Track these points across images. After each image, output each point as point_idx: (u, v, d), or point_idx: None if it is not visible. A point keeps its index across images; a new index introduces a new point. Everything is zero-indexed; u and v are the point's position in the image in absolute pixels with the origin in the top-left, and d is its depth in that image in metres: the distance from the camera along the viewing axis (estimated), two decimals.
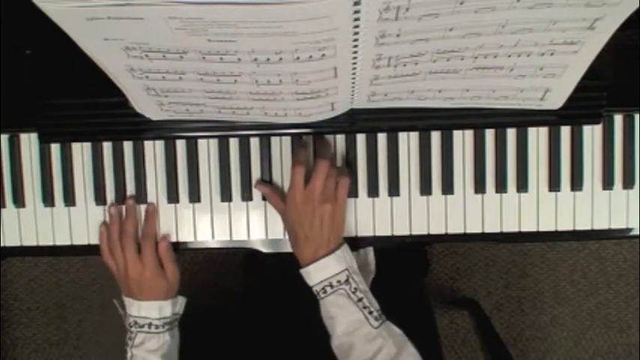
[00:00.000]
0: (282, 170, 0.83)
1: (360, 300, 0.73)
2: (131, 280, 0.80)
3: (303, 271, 0.76)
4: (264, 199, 0.83)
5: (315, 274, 0.74)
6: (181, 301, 0.84)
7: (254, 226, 0.84)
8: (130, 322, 0.80)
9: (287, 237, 0.81)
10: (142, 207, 0.84)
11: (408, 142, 0.83)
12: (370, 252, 0.81)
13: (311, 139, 0.83)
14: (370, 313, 0.73)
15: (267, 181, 0.83)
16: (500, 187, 0.83)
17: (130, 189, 0.84)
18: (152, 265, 0.80)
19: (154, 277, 0.80)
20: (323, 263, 0.74)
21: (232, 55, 0.59)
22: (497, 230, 0.84)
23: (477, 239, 0.84)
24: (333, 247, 0.75)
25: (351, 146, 0.83)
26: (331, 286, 0.74)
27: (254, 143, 0.83)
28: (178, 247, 0.85)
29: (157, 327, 0.79)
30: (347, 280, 0.74)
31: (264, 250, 0.85)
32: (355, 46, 0.59)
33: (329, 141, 0.83)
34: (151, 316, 0.79)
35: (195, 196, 0.83)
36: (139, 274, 0.80)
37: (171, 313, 0.81)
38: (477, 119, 0.79)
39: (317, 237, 0.75)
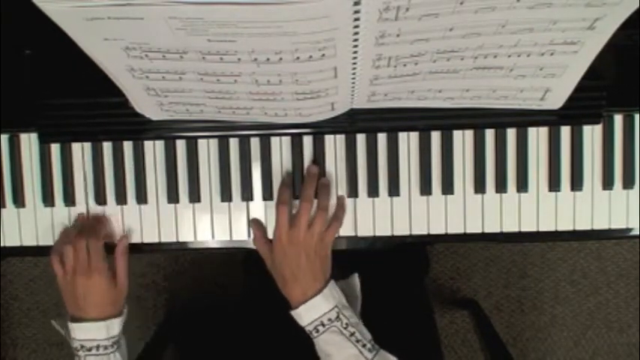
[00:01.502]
0: (282, 170, 0.83)
1: (352, 334, 0.74)
2: (77, 286, 0.76)
3: (294, 313, 0.76)
4: (264, 199, 0.83)
5: (306, 314, 0.75)
6: (125, 312, 0.81)
7: None
8: (76, 347, 0.77)
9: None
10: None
11: (408, 142, 0.83)
12: (354, 278, 0.81)
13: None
14: (364, 346, 0.74)
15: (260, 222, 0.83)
16: (500, 187, 0.83)
17: (130, 189, 0.84)
18: (100, 269, 0.77)
19: (103, 285, 0.77)
20: (312, 303, 0.74)
21: (232, 55, 0.59)
22: (497, 230, 0.84)
23: (476, 239, 0.84)
24: (320, 285, 0.76)
25: (351, 146, 0.83)
26: (323, 324, 0.74)
27: (254, 143, 0.83)
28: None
29: (105, 347, 0.77)
30: (337, 317, 0.74)
31: None
32: (355, 46, 0.59)
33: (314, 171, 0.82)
34: (99, 338, 0.77)
35: (195, 196, 0.83)
36: (87, 278, 0.76)
37: (119, 330, 0.79)
38: (476, 119, 0.79)
39: (304, 276, 0.75)
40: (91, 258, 0.77)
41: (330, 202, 0.81)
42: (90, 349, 0.76)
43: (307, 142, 0.83)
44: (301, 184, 0.81)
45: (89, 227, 0.80)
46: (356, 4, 0.52)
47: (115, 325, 0.78)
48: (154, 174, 0.84)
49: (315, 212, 0.77)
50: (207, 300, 1.61)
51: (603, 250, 1.61)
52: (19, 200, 0.84)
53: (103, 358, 0.77)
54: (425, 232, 0.84)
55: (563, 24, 0.60)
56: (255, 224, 0.83)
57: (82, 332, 0.77)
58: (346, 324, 0.74)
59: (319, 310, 0.74)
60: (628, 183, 0.83)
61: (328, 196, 0.81)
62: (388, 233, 0.84)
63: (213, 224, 0.84)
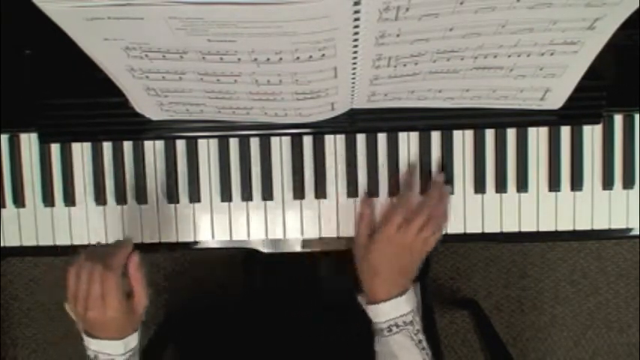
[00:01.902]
0: (282, 170, 0.83)
1: (420, 342, 0.75)
2: (92, 320, 0.69)
3: (373, 307, 0.75)
4: (264, 199, 0.83)
5: (385, 311, 0.75)
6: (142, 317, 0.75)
7: (254, 226, 0.84)
8: (89, 355, 0.72)
9: (286, 237, 0.80)
10: None
11: (408, 142, 0.83)
12: (417, 286, 0.81)
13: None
14: (427, 354, 0.74)
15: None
16: (500, 187, 0.83)
17: (130, 189, 0.84)
18: (117, 306, 0.69)
19: (120, 317, 0.70)
20: (395, 302, 0.74)
21: (232, 55, 0.59)
22: (497, 230, 0.84)
23: (476, 239, 0.84)
24: (406, 286, 0.76)
25: (351, 146, 0.83)
26: (397, 325, 0.74)
27: (254, 143, 0.83)
28: (176, 247, 0.85)
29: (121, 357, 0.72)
30: (411, 321, 0.75)
31: (264, 250, 0.85)
32: (355, 46, 0.59)
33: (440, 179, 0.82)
34: (116, 353, 0.71)
35: (195, 196, 0.83)
36: (102, 314, 0.69)
37: (137, 342, 0.74)
38: (476, 119, 0.79)
39: (397, 276, 0.75)
40: (107, 294, 0.68)
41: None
42: None
43: (307, 142, 0.83)
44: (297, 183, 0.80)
45: (101, 257, 0.70)
46: (356, 4, 0.52)
47: (133, 340, 0.73)
48: (154, 174, 0.84)
49: (428, 218, 0.76)
50: (207, 300, 1.61)
51: (603, 250, 1.61)
52: (19, 200, 0.84)
53: None
54: None
55: (563, 24, 0.60)
56: (363, 216, 0.81)
57: (97, 346, 0.71)
58: (417, 330, 0.75)
59: (399, 310, 0.74)
60: (628, 183, 0.83)
61: (444, 204, 0.80)
62: None
63: (213, 224, 0.84)
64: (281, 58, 0.59)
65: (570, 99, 0.75)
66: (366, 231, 0.79)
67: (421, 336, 0.75)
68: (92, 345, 0.71)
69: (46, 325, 1.64)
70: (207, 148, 0.83)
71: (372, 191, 0.83)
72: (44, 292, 1.63)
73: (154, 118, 0.78)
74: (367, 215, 0.80)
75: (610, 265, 1.61)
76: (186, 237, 0.85)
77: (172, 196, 0.84)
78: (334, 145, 0.83)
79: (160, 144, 0.83)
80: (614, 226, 0.83)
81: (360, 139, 0.83)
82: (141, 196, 0.84)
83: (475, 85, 0.71)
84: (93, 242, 0.84)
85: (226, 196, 0.83)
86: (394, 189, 0.83)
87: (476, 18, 0.57)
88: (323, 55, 0.59)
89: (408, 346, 0.74)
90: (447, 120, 0.79)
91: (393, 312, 0.74)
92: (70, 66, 0.74)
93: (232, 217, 0.84)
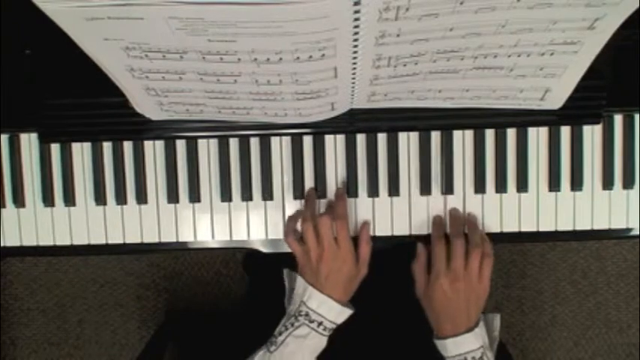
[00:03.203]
0: (282, 170, 0.83)
1: None
2: (323, 267, 0.75)
3: (440, 343, 0.77)
4: (264, 199, 0.83)
5: (453, 347, 0.75)
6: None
7: (254, 226, 0.84)
8: (300, 311, 0.75)
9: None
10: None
11: (408, 142, 0.83)
12: (497, 318, 0.82)
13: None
14: None
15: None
16: (500, 187, 0.83)
17: (130, 189, 0.84)
18: (348, 249, 0.76)
19: (348, 267, 0.76)
20: (461, 339, 0.75)
21: (232, 55, 0.59)
22: (498, 230, 0.84)
23: None
24: (472, 324, 0.76)
25: (351, 146, 0.83)
26: None
27: (254, 143, 0.83)
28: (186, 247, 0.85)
29: (324, 329, 0.75)
30: (481, 357, 0.75)
31: (264, 250, 0.85)
32: (355, 46, 0.59)
33: (458, 214, 0.83)
34: (328, 318, 0.75)
35: (195, 196, 0.83)
36: (334, 260, 0.75)
37: (341, 322, 0.77)
38: (477, 119, 0.79)
39: (459, 315, 0.76)
40: (341, 241, 0.76)
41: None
42: (312, 322, 0.75)
43: (307, 142, 0.83)
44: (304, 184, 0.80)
45: (331, 209, 0.79)
46: (356, 4, 0.52)
47: (345, 314, 0.76)
48: (154, 174, 0.84)
49: (469, 249, 0.77)
50: (207, 300, 1.61)
51: (603, 250, 1.61)
52: (19, 200, 0.84)
53: (316, 335, 0.75)
54: (425, 232, 0.83)
55: (563, 24, 0.60)
56: (419, 257, 0.82)
57: (315, 303, 0.75)
58: None
59: (466, 346, 0.75)
60: (628, 183, 0.83)
61: (478, 231, 0.81)
62: (388, 233, 0.84)
63: (213, 224, 0.84)
64: (281, 58, 0.59)
65: (570, 99, 0.75)
66: (422, 271, 0.80)
67: None
68: (311, 302, 0.75)
69: (46, 325, 1.64)
70: (207, 148, 0.83)
71: (373, 192, 0.83)
72: (44, 292, 1.63)
73: (154, 118, 0.78)
74: (423, 256, 0.81)
75: (610, 265, 1.61)
76: (186, 237, 0.85)
77: (172, 196, 0.84)
78: (334, 145, 0.83)
79: (159, 144, 0.83)
80: (614, 226, 0.83)
81: (360, 139, 0.83)
82: (141, 196, 0.84)
83: (475, 85, 0.71)
84: (93, 242, 0.84)
85: (226, 196, 0.83)
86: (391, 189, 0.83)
87: (476, 18, 0.57)
88: (323, 55, 0.59)
89: None
90: (447, 120, 0.79)
91: (461, 348, 0.75)
92: (70, 66, 0.74)
93: (232, 217, 0.84)
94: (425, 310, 0.80)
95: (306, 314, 0.75)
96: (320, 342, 0.75)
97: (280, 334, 0.75)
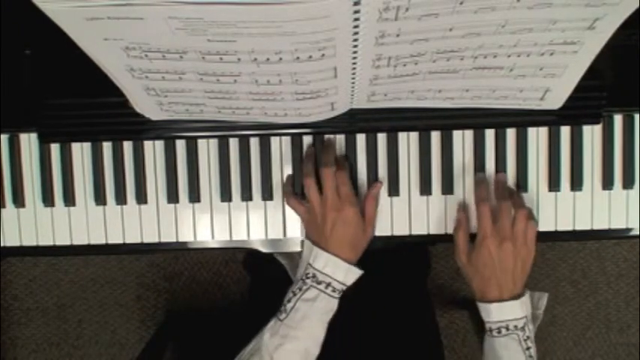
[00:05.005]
0: (282, 170, 0.83)
1: (528, 349, 0.74)
2: (328, 216, 0.74)
3: (485, 306, 0.75)
4: (264, 199, 0.83)
5: (497, 313, 0.74)
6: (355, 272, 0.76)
7: (254, 226, 0.84)
8: (308, 273, 0.74)
9: (286, 237, 0.80)
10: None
11: (408, 142, 0.83)
12: (544, 297, 0.81)
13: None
14: None
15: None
16: None
17: (130, 189, 0.84)
18: (351, 199, 0.75)
19: (353, 219, 0.75)
20: (508, 305, 0.74)
21: (232, 55, 0.59)
22: None
23: None
24: (518, 291, 0.76)
25: (351, 146, 0.83)
26: (507, 328, 0.74)
27: (254, 143, 0.83)
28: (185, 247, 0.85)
29: (333, 290, 0.74)
30: (523, 328, 0.74)
31: (264, 250, 0.85)
32: (355, 46, 0.59)
33: (504, 178, 0.82)
34: (335, 277, 0.74)
35: (195, 196, 0.83)
36: (339, 211, 0.74)
37: (351, 282, 0.76)
38: (477, 119, 0.79)
39: (505, 279, 0.75)
40: (344, 191, 0.75)
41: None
42: (320, 283, 0.73)
43: (307, 142, 0.83)
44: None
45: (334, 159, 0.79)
46: (356, 4, 0.52)
47: (353, 274, 0.75)
48: (153, 174, 0.84)
49: (516, 210, 0.76)
50: (207, 300, 1.61)
51: (603, 250, 1.61)
52: (19, 200, 0.84)
53: (326, 297, 0.74)
54: (425, 232, 0.84)
55: (563, 24, 0.60)
56: (460, 222, 0.80)
57: (321, 262, 0.74)
58: (527, 337, 0.74)
59: (511, 314, 0.74)
60: (628, 183, 0.83)
61: (517, 193, 0.80)
62: (388, 233, 0.84)
63: (213, 224, 0.84)
64: (281, 58, 0.59)
65: (570, 99, 0.75)
66: (465, 237, 0.79)
67: (531, 344, 0.74)
68: (318, 262, 0.74)
69: (45, 325, 1.64)
70: (207, 148, 0.83)
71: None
72: (44, 292, 1.63)
73: (154, 118, 0.78)
74: (464, 221, 0.80)
75: (610, 265, 1.61)
76: (186, 237, 0.85)
77: (172, 196, 0.84)
78: (334, 145, 0.83)
79: (159, 144, 0.83)
80: (614, 226, 0.83)
81: (360, 139, 0.83)
82: (141, 196, 0.84)
83: (475, 85, 0.71)
84: (93, 242, 0.84)
85: (226, 196, 0.83)
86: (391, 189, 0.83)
87: (476, 18, 0.57)
88: (323, 55, 0.59)
89: (514, 350, 0.73)
90: (447, 120, 0.79)
91: (504, 315, 0.74)
92: (70, 66, 0.74)
93: (232, 217, 0.84)
94: (467, 277, 0.78)
95: (314, 276, 0.74)
96: (330, 304, 0.74)
97: (289, 300, 0.74)
